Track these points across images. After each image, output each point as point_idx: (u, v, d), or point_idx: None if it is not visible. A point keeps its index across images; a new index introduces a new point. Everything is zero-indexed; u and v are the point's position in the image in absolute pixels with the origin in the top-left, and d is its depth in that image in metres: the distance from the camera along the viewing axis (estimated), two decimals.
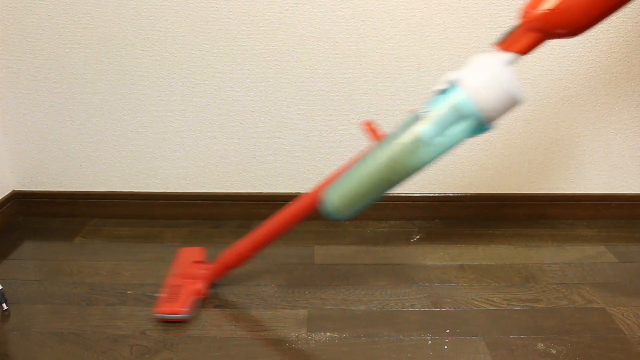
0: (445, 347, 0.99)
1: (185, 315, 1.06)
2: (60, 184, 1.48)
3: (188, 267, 1.20)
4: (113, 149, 1.44)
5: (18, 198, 1.49)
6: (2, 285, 1.12)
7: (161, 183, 1.47)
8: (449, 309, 1.10)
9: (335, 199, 0.98)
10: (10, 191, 1.48)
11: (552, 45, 1.29)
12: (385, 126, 1.37)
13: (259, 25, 1.30)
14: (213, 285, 1.16)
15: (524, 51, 0.85)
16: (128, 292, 1.16)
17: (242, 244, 1.12)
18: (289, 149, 1.42)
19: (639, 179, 1.44)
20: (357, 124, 1.38)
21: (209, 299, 1.13)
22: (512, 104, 0.85)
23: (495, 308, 1.10)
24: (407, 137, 0.90)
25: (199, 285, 1.13)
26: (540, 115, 1.37)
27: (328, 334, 1.02)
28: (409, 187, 1.44)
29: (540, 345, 0.99)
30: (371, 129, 0.99)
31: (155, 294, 1.14)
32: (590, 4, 0.79)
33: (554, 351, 0.97)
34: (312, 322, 1.06)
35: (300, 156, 1.43)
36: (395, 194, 1.44)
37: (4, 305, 1.10)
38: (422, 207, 1.46)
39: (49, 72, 1.36)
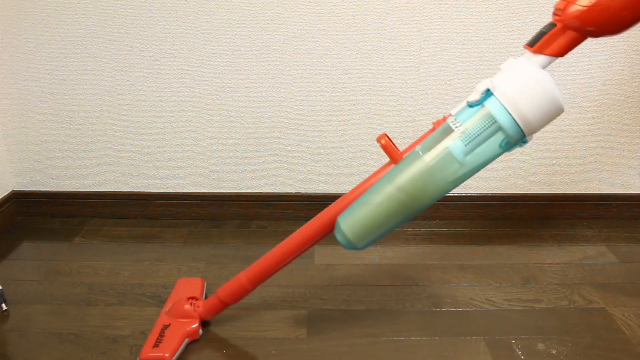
0: (446, 347, 0.98)
1: None
2: (60, 184, 1.48)
3: (181, 303, 1.03)
4: (113, 149, 1.44)
5: (17, 198, 1.49)
6: (1, 286, 1.12)
7: (161, 183, 1.47)
8: (449, 309, 1.09)
9: (347, 229, 0.85)
10: (9, 191, 1.48)
11: None
12: (387, 129, 1.38)
13: (258, 25, 1.30)
14: (206, 324, 1.04)
15: (561, 53, 0.76)
16: (128, 292, 1.15)
17: (244, 276, 0.98)
18: (289, 149, 1.42)
19: (639, 179, 1.44)
20: (357, 124, 1.38)
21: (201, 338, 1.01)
22: (554, 111, 0.77)
23: (495, 308, 1.09)
24: (434, 155, 0.78)
25: (190, 326, 1.00)
26: None
27: (328, 334, 1.02)
28: None
29: (540, 346, 0.98)
30: (389, 146, 0.84)
31: (155, 295, 1.14)
32: None
33: (554, 351, 0.97)
34: (312, 322, 1.06)
35: (300, 156, 1.42)
36: None
37: (3, 305, 1.10)
38: None
39: (49, 72, 1.36)
